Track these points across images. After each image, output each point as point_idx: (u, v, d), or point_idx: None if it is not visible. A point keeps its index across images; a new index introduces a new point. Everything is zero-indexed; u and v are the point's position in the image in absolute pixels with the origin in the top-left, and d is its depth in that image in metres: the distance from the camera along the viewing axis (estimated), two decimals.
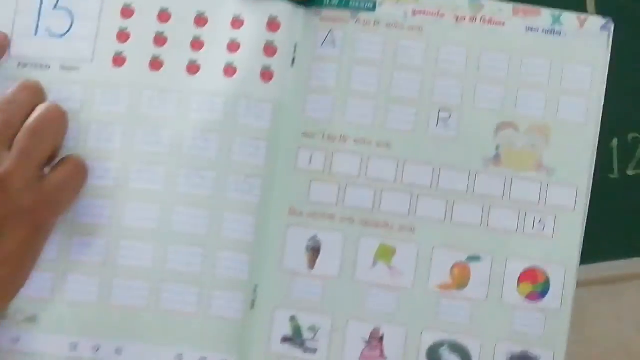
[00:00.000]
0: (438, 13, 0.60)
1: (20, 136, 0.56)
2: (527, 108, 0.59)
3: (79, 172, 0.58)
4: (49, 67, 0.60)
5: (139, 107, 0.59)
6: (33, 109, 0.57)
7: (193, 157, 0.58)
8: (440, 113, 0.59)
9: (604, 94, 0.59)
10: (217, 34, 0.60)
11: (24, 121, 0.56)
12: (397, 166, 0.59)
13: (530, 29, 0.59)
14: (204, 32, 0.60)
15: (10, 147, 0.55)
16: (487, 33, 0.59)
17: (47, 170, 0.57)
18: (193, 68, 0.60)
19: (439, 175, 0.59)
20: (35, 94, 0.58)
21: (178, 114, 0.59)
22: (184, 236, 0.58)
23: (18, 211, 0.55)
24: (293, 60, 0.60)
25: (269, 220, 0.59)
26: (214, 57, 0.60)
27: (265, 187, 0.59)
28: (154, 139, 0.59)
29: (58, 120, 0.57)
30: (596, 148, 0.58)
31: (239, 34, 0.60)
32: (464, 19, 0.60)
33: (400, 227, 0.58)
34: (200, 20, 0.61)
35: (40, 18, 0.61)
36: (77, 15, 0.60)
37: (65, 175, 0.57)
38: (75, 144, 0.59)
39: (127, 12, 0.61)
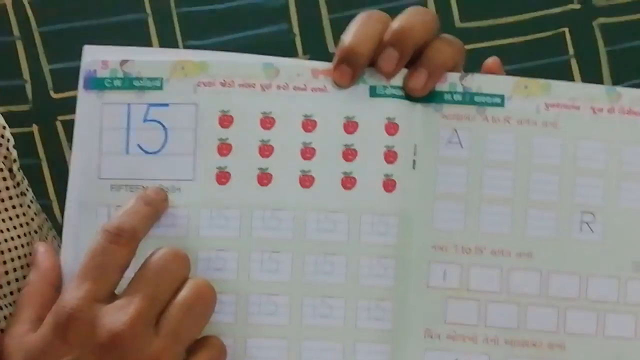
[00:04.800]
0: (573, 105, 0.55)
1: (173, 314, 0.50)
2: None
3: (222, 358, 0.52)
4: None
5: (250, 231, 0.53)
6: (182, 283, 0.51)
7: (317, 284, 0.53)
8: (583, 216, 0.54)
9: None
10: (329, 139, 0.54)
11: (172, 296, 0.50)
12: (541, 278, 0.54)
13: None
14: (314, 138, 0.54)
15: (156, 325, 0.49)
16: (628, 125, 0.54)
17: None
18: (306, 180, 0.54)
19: (587, 285, 0.54)
20: (185, 266, 0.51)
21: (295, 235, 0.53)
22: None
23: None
24: (414, 163, 0.54)
25: (405, 347, 0.53)
26: (328, 167, 0.54)
27: (398, 310, 0.53)
28: (272, 266, 0.53)
29: (211, 299, 0.51)
30: None
31: (354, 139, 0.54)
32: (601, 110, 0.55)
33: (549, 344, 0.54)
34: (309, 124, 0.55)
35: (130, 133, 0.54)
36: (170, 127, 0.54)
37: None
38: None
39: (225, 120, 0.55)
